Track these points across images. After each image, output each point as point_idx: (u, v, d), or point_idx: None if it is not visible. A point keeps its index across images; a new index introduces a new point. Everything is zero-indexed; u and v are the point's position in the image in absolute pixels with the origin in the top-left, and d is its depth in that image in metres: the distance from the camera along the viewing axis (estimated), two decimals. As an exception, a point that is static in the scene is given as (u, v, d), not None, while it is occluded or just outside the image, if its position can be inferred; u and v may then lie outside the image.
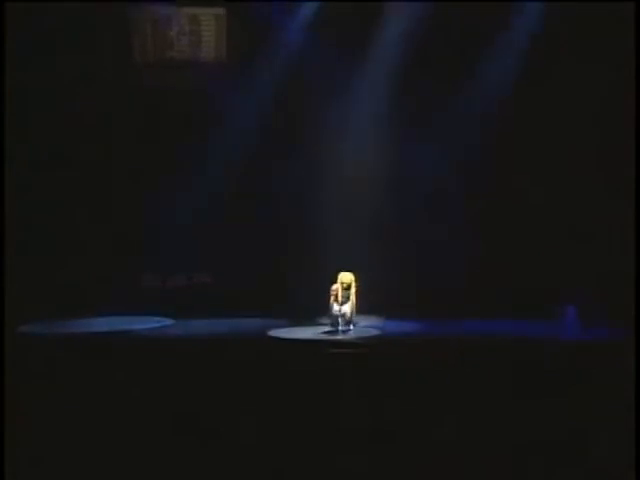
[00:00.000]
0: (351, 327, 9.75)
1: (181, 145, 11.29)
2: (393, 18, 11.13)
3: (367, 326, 10.00)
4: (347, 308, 9.74)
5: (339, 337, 9.54)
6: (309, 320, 10.24)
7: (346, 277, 9.83)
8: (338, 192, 11.29)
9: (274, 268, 11.24)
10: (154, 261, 11.43)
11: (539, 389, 7.15)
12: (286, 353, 8.41)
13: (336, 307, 9.75)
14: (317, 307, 9.96)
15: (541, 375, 7.34)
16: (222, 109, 11.44)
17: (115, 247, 11.26)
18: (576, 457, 6.42)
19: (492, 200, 11.02)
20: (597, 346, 8.50)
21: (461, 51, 10.80)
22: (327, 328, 9.77)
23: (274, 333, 9.71)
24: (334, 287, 9.82)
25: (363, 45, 11.22)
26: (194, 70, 11.47)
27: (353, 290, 9.78)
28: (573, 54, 10.57)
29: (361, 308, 9.88)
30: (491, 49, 11.00)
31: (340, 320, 9.72)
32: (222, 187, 11.38)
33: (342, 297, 9.75)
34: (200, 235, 11.34)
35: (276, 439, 6.82)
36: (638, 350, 7.05)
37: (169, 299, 11.11)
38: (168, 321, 10.63)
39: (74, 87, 11.13)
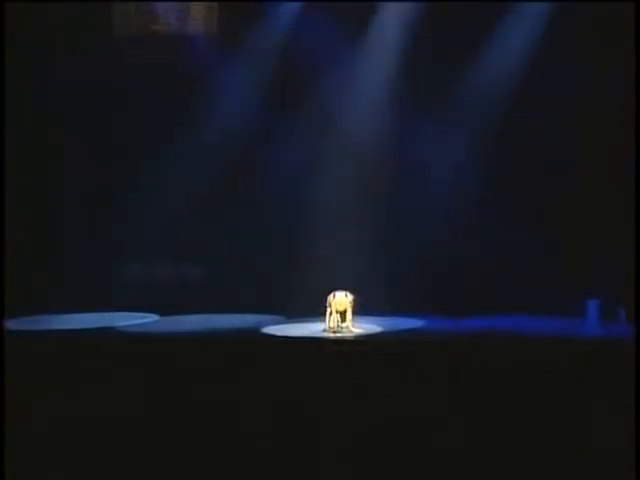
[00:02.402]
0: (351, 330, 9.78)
1: (169, 127, 11.25)
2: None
3: (369, 323, 10.06)
4: (344, 324, 9.76)
5: (339, 335, 9.62)
6: (306, 316, 10.28)
7: (341, 304, 9.78)
8: (337, 177, 11.28)
9: (268, 260, 11.26)
10: (140, 252, 11.47)
11: (539, 388, 7.29)
12: (283, 352, 8.49)
13: (331, 324, 9.77)
14: (314, 301, 9.92)
15: (541, 374, 7.48)
16: (213, 88, 11.38)
17: (99, 238, 11.23)
18: (576, 457, 6.53)
19: (507, 190, 11.07)
20: (601, 344, 8.74)
21: (471, 26, 10.77)
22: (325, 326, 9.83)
23: (269, 330, 9.81)
24: (330, 298, 9.82)
25: (363, 23, 11.20)
26: (181, 44, 11.36)
27: (349, 311, 9.76)
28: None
29: (363, 305, 9.90)
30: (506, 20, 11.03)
31: (337, 326, 9.76)
32: (211, 171, 11.32)
33: (338, 325, 9.73)
34: (189, 224, 11.33)
35: (272, 440, 6.87)
36: (638, 350, 7.21)
37: (154, 293, 11.09)
38: (153, 317, 10.69)
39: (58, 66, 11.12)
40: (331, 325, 9.73)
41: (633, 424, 6.33)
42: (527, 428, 6.92)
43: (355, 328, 9.76)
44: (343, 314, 9.76)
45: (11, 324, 9.54)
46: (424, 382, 7.48)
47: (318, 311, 9.94)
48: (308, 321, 10.18)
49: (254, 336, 9.54)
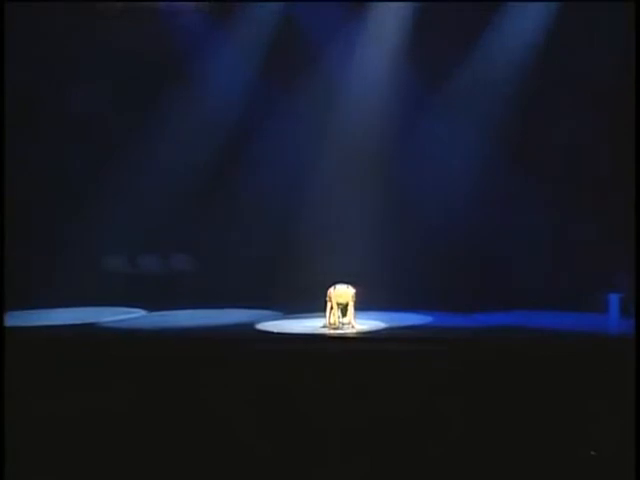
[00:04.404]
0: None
1: (152, 106, 11.13)
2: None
3: (372, 319, 9.85)
4: (345, 320, 9.53)
5: (340, 331, 9.38)
6: (304, 311, 10.10)
7: (342, 296, 9.51)
8: (337, 161, 11.20)
9: (265, 250, 11.16)
10: (123, 242, 11.30)
11: (539, 388, 7.28)
12: (278, 351, 8.31)
13: (332, 320, 9.51)
14: (314, 295, 9.71)
15: (542, 373, 7.47)
16: (202, 66, 11.30)
17: (79, 228, 11.11)
18: (576, 457, 6.55)
19: (524, 180, 10.98)
20: (601, 343, 8.60)
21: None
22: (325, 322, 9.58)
23: (264, 326, 9.58)
24: (330, 291, 9.55)
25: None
26: (171, 19, 11.21)
27: (351, 305, 9.50)
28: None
29: (366, 299, 9.64)
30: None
31: (339, 322, 9.52)
32: (204, 155, 11.26)
33: (339, 320, 9.49)
34: (176, 212, 11.21)
35: (263, 438, 6.82)
36: (638, 350, 7.10)
37: (140, 286, 11.03)
38: (139, 312, 10.57)
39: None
40: (332, 321, 9.49)
41: (633, 424, 6.32)
42: (528, 428, 6.90)
43: (357, 324, 9.53)
44: (344, 308, 9.51)
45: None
46: (426, 381, 7.42)
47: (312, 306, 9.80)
48: (307, 317, 9.98)
49: (248, 333, 9.35)
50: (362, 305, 9.67)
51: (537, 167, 11.02)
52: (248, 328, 9.55)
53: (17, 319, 9.64)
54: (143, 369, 7.76)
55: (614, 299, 9.91)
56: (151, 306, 10.63)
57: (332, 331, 9.42)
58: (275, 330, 9.44)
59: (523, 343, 8.61)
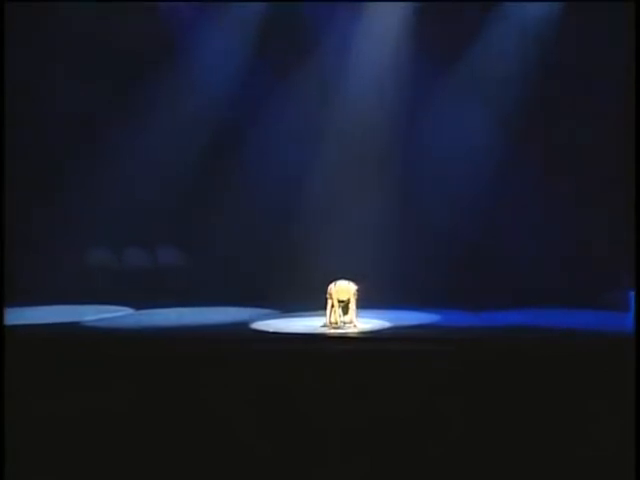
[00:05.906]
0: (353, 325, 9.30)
1: (149, 98, 11.15)
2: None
3: (375, 317, 9.69)
4: (347, 318, 9.33)
5: (341, 331, 9.17)
6: (303, 308, 9.98)
7: (343, 293, 9.28)
8: (338, 157, 11.19)
9: (262, 246, 11.14)
10: (109, 236, 11.25)
11: (540, 388, 7.24)
12: (280, 351, 8.20)
13: (333, 318, 9.29)
14: (313, 292, 9.54)
15: (543, 373, 7.44)
16: (198, 63, 11.35)
17: (64, 221, 11.13)
18: (576, 457, 6.51)
19: (535, 170, 11.02)
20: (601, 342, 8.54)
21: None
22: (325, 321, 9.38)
23: (260, 325, 9.46)
24: (330, 288, 9.32)
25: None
26: (165, 11, 11.28)
27: (353, 302, 9.28)
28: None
29: (368, 297, 9.45)
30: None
31: (340, 320, 9.30)
32: (197, 151, 11.28)
33: (341, 319, 9.26)
34: (167, 205, 11.23)
35: (260, 440, 6.75)
36: (638, 348, 7.05)
37: (127, 282, 11.00)
38: (126, 310, 10.49)
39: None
40: (332, 319, 9.29)
41: (633, 424, 6.33)
42: (528, 428, 6.88)
43: (360, 323, 9.35)
44: (346, 306, 9.30)
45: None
46: (427, 381, 7.40)
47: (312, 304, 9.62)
48: (307, 315, 9.83)
49: (249, 333, 9.22)
50: (367, 303, 9.52)
51: (543, 164, 11.04)
52: (247, 327, 9.42)
53: (12, 317, 9.49)
54: (143, 369, 7.73)
55: (632, 296, 9.76)
56: (143, 304, 10.55)
57: (333, 330, 9.23)
58: (272, 329, 9.27)
59: (527, 343, 8.56)
